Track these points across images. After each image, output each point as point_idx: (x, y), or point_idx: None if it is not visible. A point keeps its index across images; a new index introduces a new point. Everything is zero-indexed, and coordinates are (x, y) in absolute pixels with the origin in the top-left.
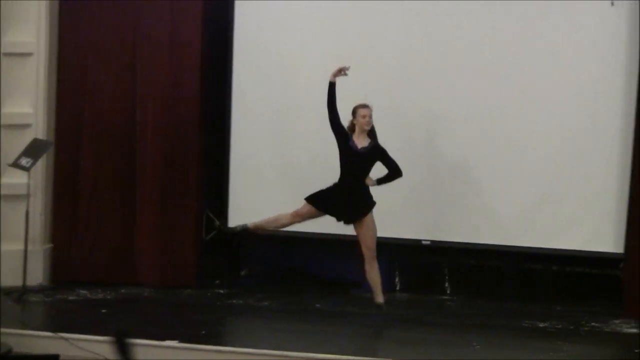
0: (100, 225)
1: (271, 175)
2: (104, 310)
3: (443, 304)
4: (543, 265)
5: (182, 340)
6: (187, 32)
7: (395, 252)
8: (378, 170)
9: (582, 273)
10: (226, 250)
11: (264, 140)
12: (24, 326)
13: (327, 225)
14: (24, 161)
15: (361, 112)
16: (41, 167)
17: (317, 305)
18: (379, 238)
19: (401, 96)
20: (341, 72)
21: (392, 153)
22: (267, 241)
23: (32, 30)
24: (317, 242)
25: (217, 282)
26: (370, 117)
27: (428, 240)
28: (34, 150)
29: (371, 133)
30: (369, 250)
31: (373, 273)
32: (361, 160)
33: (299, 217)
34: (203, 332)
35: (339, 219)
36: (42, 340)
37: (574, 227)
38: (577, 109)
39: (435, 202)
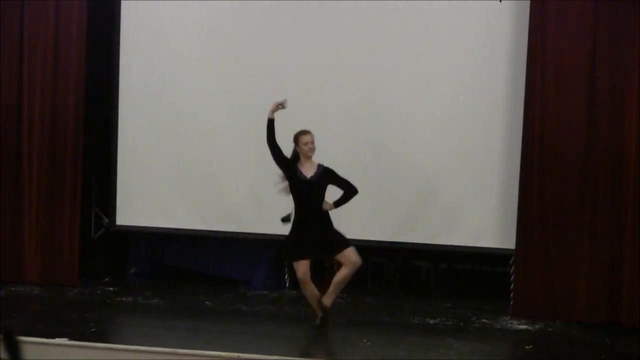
0: None
1: (159, 173)
2: None
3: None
4: (431, 262)
5: (72, 338)
6: (72, 30)
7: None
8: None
9: (471, 270)
10: (115, 248)
11: (152, 138)
12: None
13: (215, 223)
14: None
15: (303, 139)
16: None
17: (207, 302)
18: (267, 234)
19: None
20: (279, 107)
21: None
22: (155, 239)
23: None
24: (206, 240)
25: (106, 279)
26: (313, 142)
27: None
28: None
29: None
30: (354, 257)
31: (341, 278)
32: (314, 188)
33: (304, 277)
34: (93, 329)
35: (324, 255)
36: None
37: (462, 223)
38: (462, 106)
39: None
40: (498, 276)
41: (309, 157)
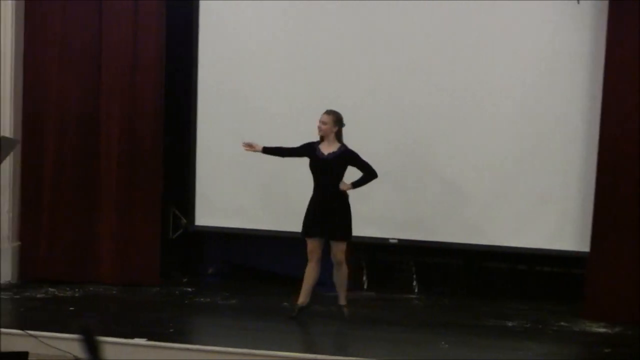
0: (65, 222)
1: (238, 173)
2: (71, 308)
3: (410, 302)
4: (509, 264)
5: (150, 339)
6: (150, 29)
7: (362, 251)
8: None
9: (549, 272)
10: (193, 249)
11: (230, 138)
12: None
13: (293, 224)
14: None
15: (320, 118)
16: (8, 165)
17: (284, 303)
18: None
19: (365, 90)
20: (251, 148)
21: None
22: (233, 240)
23: None
24: (283, 241)
25: (184, 280)
26: (325, 123)
27: (395, 239)
28: (0, 148)
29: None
30: (340, 255)
31: (340, 277)
32: (330, 165)
33: (313, 256)
34: (171, 330)
35: (326, 237)
36: (11, 338)
37: (538, 224)
38: (540, 108)
39: (401, 201)
40: (576, 278)
41: (321, 136)
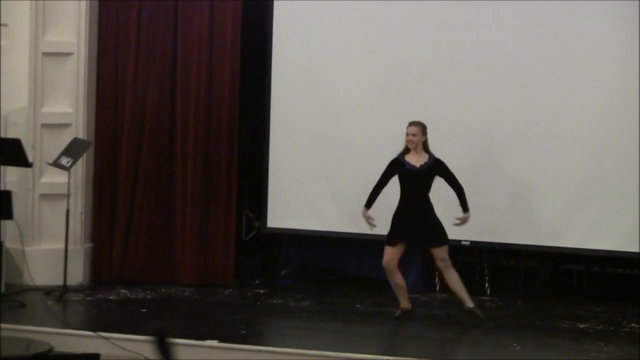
0: (139, 224)
1: (309, 175)
2: (144, 310)
3: (483, 304)
4: (582, 266)
5: (222, 340)
6: (227, 33)
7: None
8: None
9: (622, 274)
10: (265, 251)
11: (302, 140)
12: (65, 325)
13: (364, 225)
14: (64, 160)
15: (406, 130)
16: (81, 166)
17: (358, 305)
18: None
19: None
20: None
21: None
22: (306, 241)
23: (72, 30)
24: (356, 242)
25: (257, 281)
26: (414, 134)
27: (467, 241)
28: (74, 149)
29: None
30: (442, 261)
31: (453, 281)
32: (421, 177)
33: (391, 263)
34: (243, 331)
35: (418, 246)
36: (83, 340)
37: (612, 227)
38: (609, 108)
39: (474, 203)
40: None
41: (413, 148)
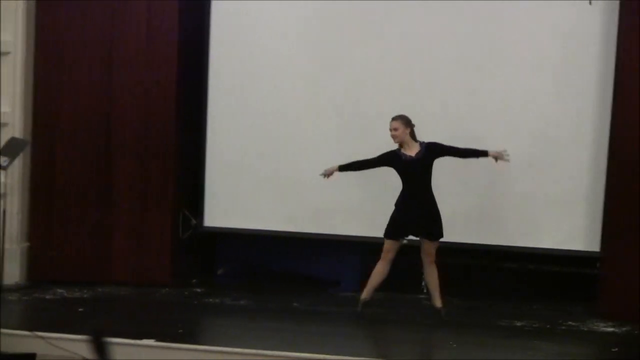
0: (76, 223)
1: (247, 174)
2: (80, 309)
3: (420, 302)
4: (519, 264)
5: (159, 339)
6: (164, 31)
7: (372, 251)
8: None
9: (558, 272)
10: (202, 249)
11: (240, 138)
12: (1, 325)
13: (303, 224)
14: (1, 160)
15: (389, 125)
16: (18, 166)
17: (294, 304)
18: (357, 236)
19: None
20: (329, 175)
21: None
22: (243, 240)
23: (10, 29)
24: (295, 241)
25: (194, 281)
26: (396, 129)
27: (405, 240)
28: (10, 149)
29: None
30: (429, 256)
31: (431, 277)
32: (420, 165)
33: (388, 256)
34: (180, 330)
35: (421, 237)
36: (19, 340)
37: (549, 225)
38: (550, 109)
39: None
40: (585, 278)
41: (399, 143)
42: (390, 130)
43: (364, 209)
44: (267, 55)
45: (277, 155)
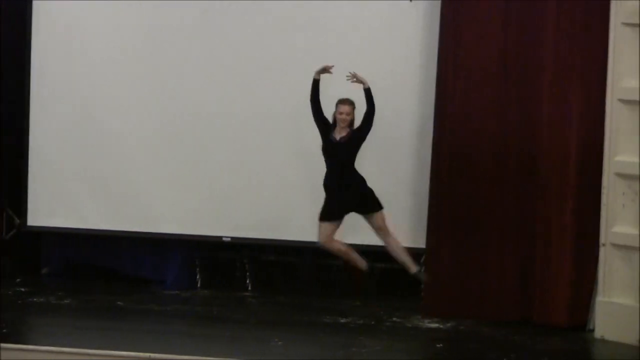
0: None
1: (71, 173)
2: None
3: (244, 300)
4: (342, 261)
5: None
6: None
7: (196, 249)
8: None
9: (382, 268)
10: (26, 249)
11: (63, 138)
12: None
13: (127, 222)
14: None
15: (339, 108)
16: None
17: (119, 302)
18: (182, 234)
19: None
20: (325, 70)
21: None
22: (67, 239)
23: None
24: (118, 240)
25: (18, 280)
26: (348, 114)
27: (229, 237)
28: None
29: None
30: (380, 230)
31: (394, 248)
32: (343, 148)
33: (325, 239)
34: (4, 330)
35: (361, 214)
36: None
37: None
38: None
39: (234, 200)
40: (408, 274)
41: (343, 126)
42: (342, 113)
43: (189, 207)
44: (91, 55)
45: (102, 154)
